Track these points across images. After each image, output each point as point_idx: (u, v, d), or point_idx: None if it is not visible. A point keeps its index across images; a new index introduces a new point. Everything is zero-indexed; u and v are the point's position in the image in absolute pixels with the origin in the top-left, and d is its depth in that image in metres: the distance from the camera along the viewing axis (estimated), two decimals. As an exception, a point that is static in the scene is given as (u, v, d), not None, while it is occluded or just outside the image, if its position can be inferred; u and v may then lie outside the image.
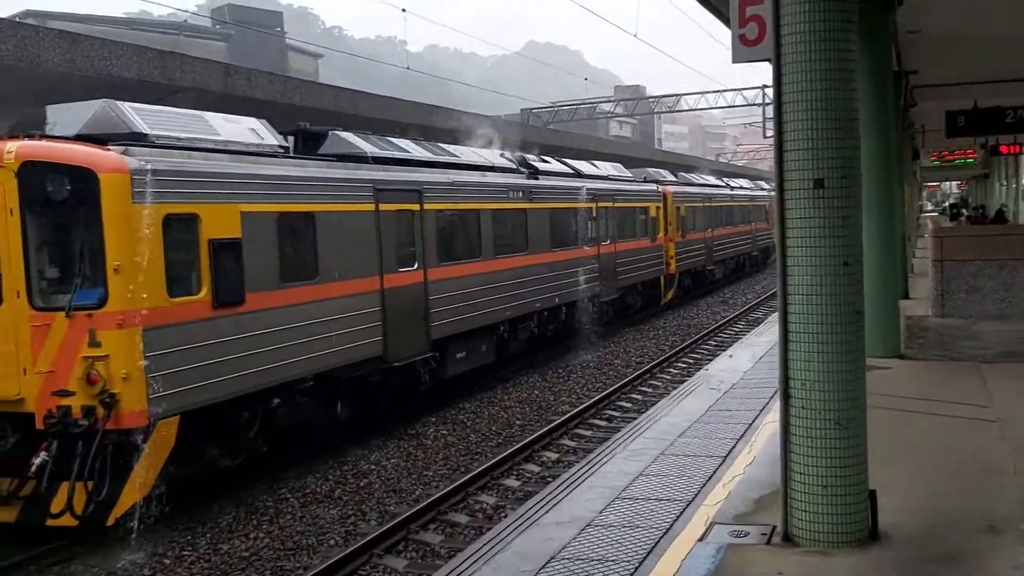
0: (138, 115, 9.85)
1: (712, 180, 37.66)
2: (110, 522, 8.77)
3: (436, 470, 11.73)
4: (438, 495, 10.31)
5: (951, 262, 14.67)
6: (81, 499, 8.54)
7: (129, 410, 8.66)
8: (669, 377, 17.10)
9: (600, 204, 21.30)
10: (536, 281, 17.77)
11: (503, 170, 17.72)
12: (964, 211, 38.19)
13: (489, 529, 7.70)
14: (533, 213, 17.90)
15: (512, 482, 11.12)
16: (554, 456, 12.23)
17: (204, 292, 9.61)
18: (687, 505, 6.24)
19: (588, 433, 13.36)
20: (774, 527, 5.57)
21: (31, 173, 8.77)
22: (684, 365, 18.21)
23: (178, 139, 10.09)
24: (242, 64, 29.21)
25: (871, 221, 11.18)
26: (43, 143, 9.08)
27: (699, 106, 47.65)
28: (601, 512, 6.25)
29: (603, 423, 13.89)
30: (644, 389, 16.09)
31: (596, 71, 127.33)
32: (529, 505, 6.68)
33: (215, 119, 11.12)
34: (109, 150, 9.03)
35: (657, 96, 49.33)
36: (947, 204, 48.77)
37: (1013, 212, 30.98)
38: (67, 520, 8.58)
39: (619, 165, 26.43)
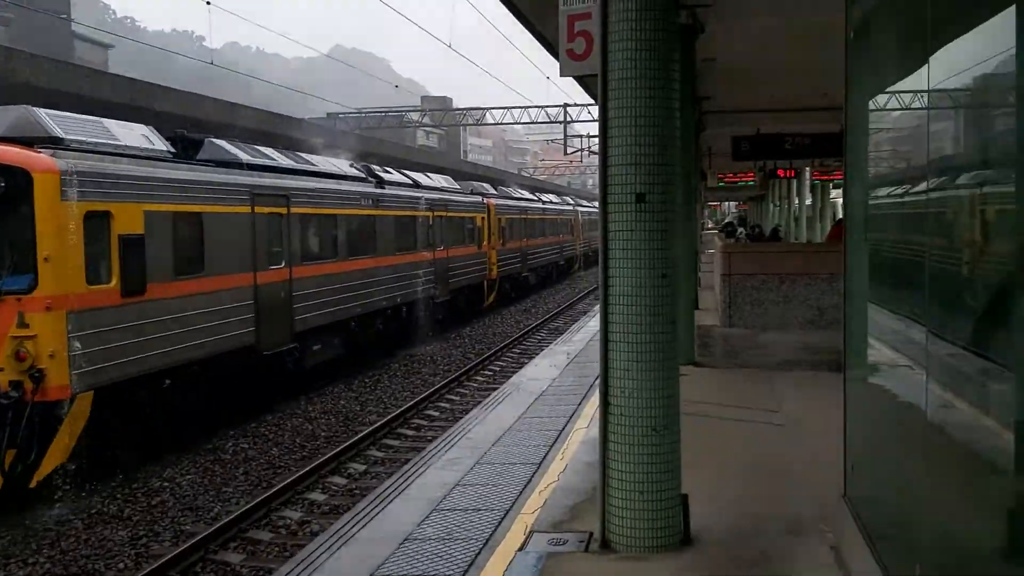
0: (54, 120, 10.93)
1: (527, 194, 40.59)
2: (32, 484, 9.73)
3: (236, 486, 11.14)
4: (239, 512, 9.78)
5: (738, 276, 15.72)
6: (8, 462, 9.46)
7: (54, 384, 9.79)
8: (476, 385, 17.19)
9: (436, 213, 23.39)
10: (382, 281, 19.39)
11: (354, 179, 19.16)
12: (742, 229, 41.09)
13: (300, 547, 7.36)
14: (380, 219, 19.57)
15: (318, 496, 10.75)
16: (361, 468, 11.94)
17: (115, 281, 10.84)
18: (505, 514, 6.21)
19: (396, 443, 13.16)
20: (591, 534, 5.64)
21: None
22: (490, 373, 18.38)
23: (87, 143, 11.15)
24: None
25: (672, 236, 11.84)
26: None
27: (504, 120, 48.47)
28: (419, 525, 6.10)
29: (411, 432, 13.73)
30: (452, 397, 16.08)
31: (402, 80, 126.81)
32: (344, 521, 6.42)
33: (112, 125, 12.16)
34: (40, 152, 10.11)
35: (465, 108, 49.79)
36: (724, 223, 52.26)
37: (786, 231, 33.67)
38: None
39: (449, 178, 28.80)
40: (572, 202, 51.10)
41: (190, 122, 19.53)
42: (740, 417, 8.95)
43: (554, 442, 8.18)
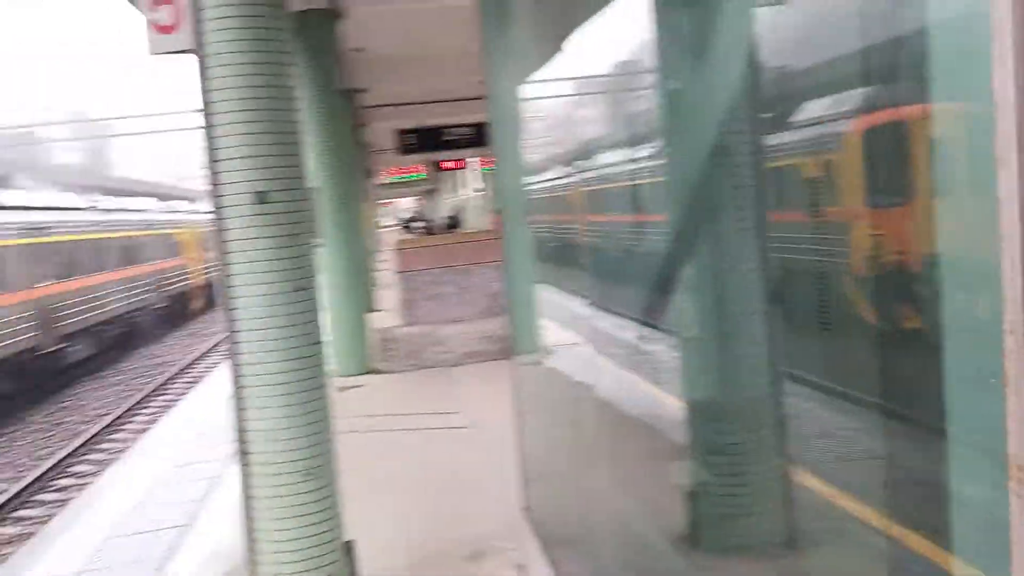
0: None
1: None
2: None
3: None
4: None
5: (412, 272, 15.20)
6: None
7: None
8: (137, 426, 15.19)
9: (149, 232, 28.36)
10: (113, 292, 23.40)
11: (84, 210, 24.06)
12: (420, 223, 41.25)
13: None
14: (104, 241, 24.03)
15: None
16: (-14, 551, 9.87)
17: None
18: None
19: (35, 513, 11.09)
20: (246, 609, 4.63)
21: None
22: (154, 410, 16.39)
23: None
24: None
25: (334, 240, 10.91)
26: None
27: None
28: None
29: (54, 496, 11.67)
30: (105, 447, 14.03)
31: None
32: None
33: None
34: None
35: None
36: (404, 218, 52.37)
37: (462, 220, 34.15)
38: None
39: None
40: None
41: None
42: (420, 425, 8.32)
43: (207, 492, 6.97)
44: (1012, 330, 0.95)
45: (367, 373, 11.07)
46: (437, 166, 29.02)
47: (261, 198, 4.44)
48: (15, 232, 18.02)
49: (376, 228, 40.66)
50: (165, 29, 4.62)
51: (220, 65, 4.38)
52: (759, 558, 4.38)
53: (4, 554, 9.59)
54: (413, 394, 9.93)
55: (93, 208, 25.08)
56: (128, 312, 24.77)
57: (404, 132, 19.99)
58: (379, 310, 17.32)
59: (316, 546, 4.44)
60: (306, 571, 4.44)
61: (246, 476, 4.48)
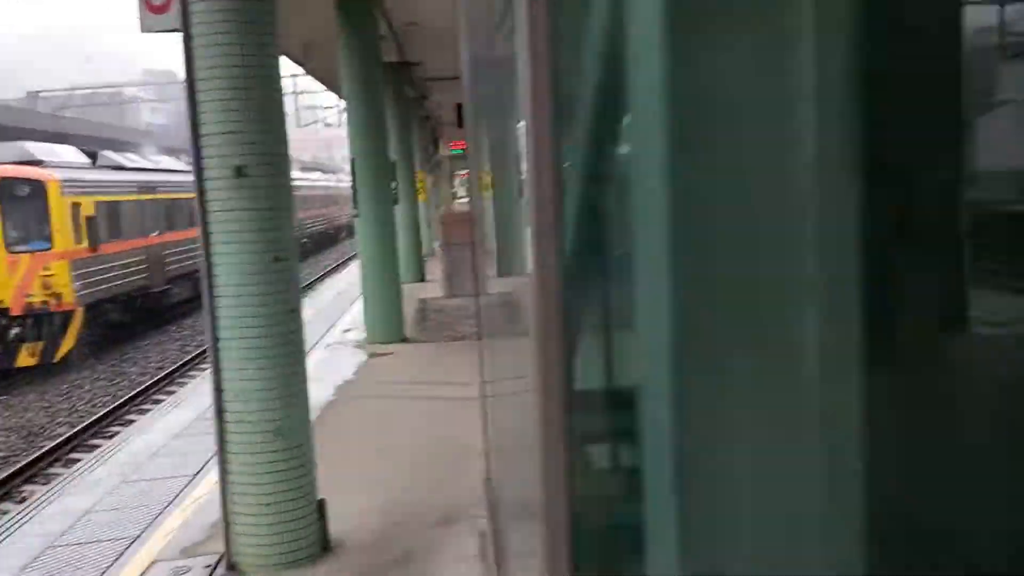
0: (35, 149, 18.38)
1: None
2: (56, 359, 16.40)
3: None
4: None
5: (456, 244, 15.47)
6: (39, 348, 16.29)
7: (67, 300, 16.58)
8: (192, 382, 15.87)
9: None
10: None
11: (182, 172, 27.22)
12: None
13: None
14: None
15: (-23, 531, 9.32)
16: (42, 489, 10.54)
17: (85, 242, 17.50)
18: (132, 542, 5.39)
19: (87, 456, 11.76)
20: (221, 556, 4.98)
21: (5, 183, 16.45)
22: (208, 366, 17.08)
23: (54, 161, 18.27)
24: None
25: (369, 210, 11.17)
26: (11, 167, 16.92)
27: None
28: (24, 569, 5.16)
29: (104, 442, 12.34)
30: (159, 398, 14.71)
31: (118, 56, 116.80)
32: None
33: (58, 147, 19.98)
34: (46, 169, 17.33)
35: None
36: (476, 189, 52.98)
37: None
38: (32, 361, 16.19)
39: None
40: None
41: None
42: (437, 395, 8.59)
43: (222, 446, 7.38)
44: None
45: (399, 342, 11.37)
46: (501, 139, 29.16)
47: (240, 172, 4.71)
48: (134, 189, 21.18)
49: (450, 200, 41.09)
50: (157, 9, 4.89)
51: (204, 45, 4.64)
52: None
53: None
54: (438, 364, 10.18)
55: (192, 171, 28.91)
56: None
57: (461, 105, 20.17)
58: (428, 280, 17.72)
59: (286, 501, 4.74)
60: (275, 524, 4.74)
61: (222, 434, 4.80)
